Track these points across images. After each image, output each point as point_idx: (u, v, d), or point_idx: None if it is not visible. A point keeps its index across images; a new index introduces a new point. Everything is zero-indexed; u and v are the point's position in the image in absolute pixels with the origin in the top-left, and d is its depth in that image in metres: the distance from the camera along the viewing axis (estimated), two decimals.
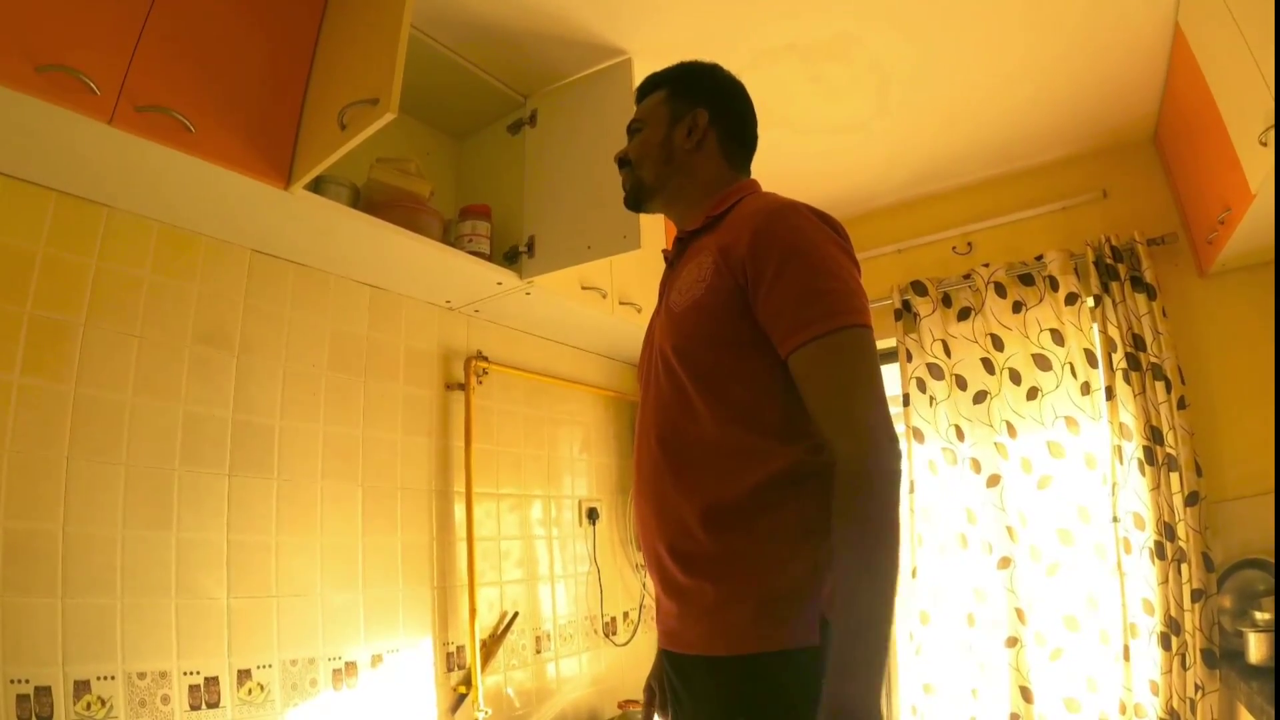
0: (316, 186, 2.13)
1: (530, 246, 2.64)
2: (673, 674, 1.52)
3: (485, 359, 2.94)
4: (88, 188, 1.92)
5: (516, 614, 2.85)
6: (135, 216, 2.04)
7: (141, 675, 1.83)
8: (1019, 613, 3.20)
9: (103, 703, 1.76)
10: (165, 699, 1.87)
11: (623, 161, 1.76)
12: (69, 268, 1.89)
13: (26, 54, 1.53)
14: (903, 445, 3.46)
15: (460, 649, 2.64)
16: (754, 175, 1.74)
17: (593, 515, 3.36)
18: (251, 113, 1.93)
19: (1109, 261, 3.19)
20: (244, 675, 2.03)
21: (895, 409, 3.52)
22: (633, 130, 1.75)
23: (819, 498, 1.32)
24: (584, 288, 2.89)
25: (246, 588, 2.10)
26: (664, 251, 1.77)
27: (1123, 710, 2.97)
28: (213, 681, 1.96)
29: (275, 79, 2.02)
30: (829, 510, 1.32)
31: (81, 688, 1.73)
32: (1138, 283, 3.12)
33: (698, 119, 1.68)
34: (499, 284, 2.67)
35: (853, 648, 1.20)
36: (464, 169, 3.07)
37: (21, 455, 1.74)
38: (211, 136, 1.82)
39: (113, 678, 1.78)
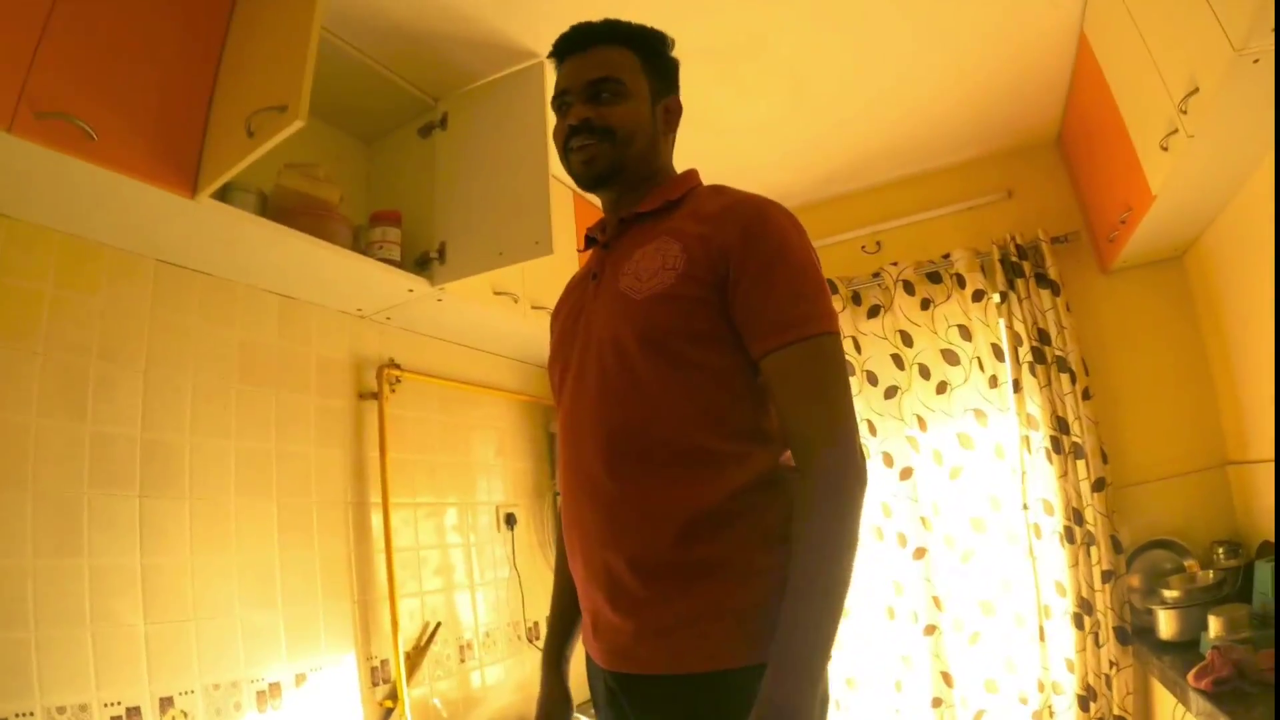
0: (223, 194, 2.05)
1: (441, 253, 2.60)
2: (622, 697, 1.39)
3: (398, 367, 2.89)
4: None
5: (439, 624, 2.80)
6: (35, 227, 1.93)
7: (61, 709, 1.74)
8: (936, 600, 3.29)
9: None
10: None
11: (597, 128, 1.51)
12: None
13: None
14: None
15: (384, 663, 2.59)
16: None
17: (510, 520, 3.33)
18: (156, 119, 1.86)
19: (1014, 259, 3.32)
20: (166, 703, 1.95)
21: None
22: (607, 90, 1.52)
23: (785, 503, 1.32)
24: (496, 293, 2.86)
25: (163, 612, 2.02)
26: (591, 231, 1.66)
27: (1041, 689, 3.10)
28: (134, 712, 1.88)
29: (181, 84, 1.94)
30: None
31: None
32: (1042, 279, 3.26)
33: (672, 107, 1.61)
34: (410, 291, 2.62)
35: (801, 645, 1.20)
36: (374, 173, 3.01)
37: None
38: (115, 144, 1.74)
39: (31, 714, 1.69)
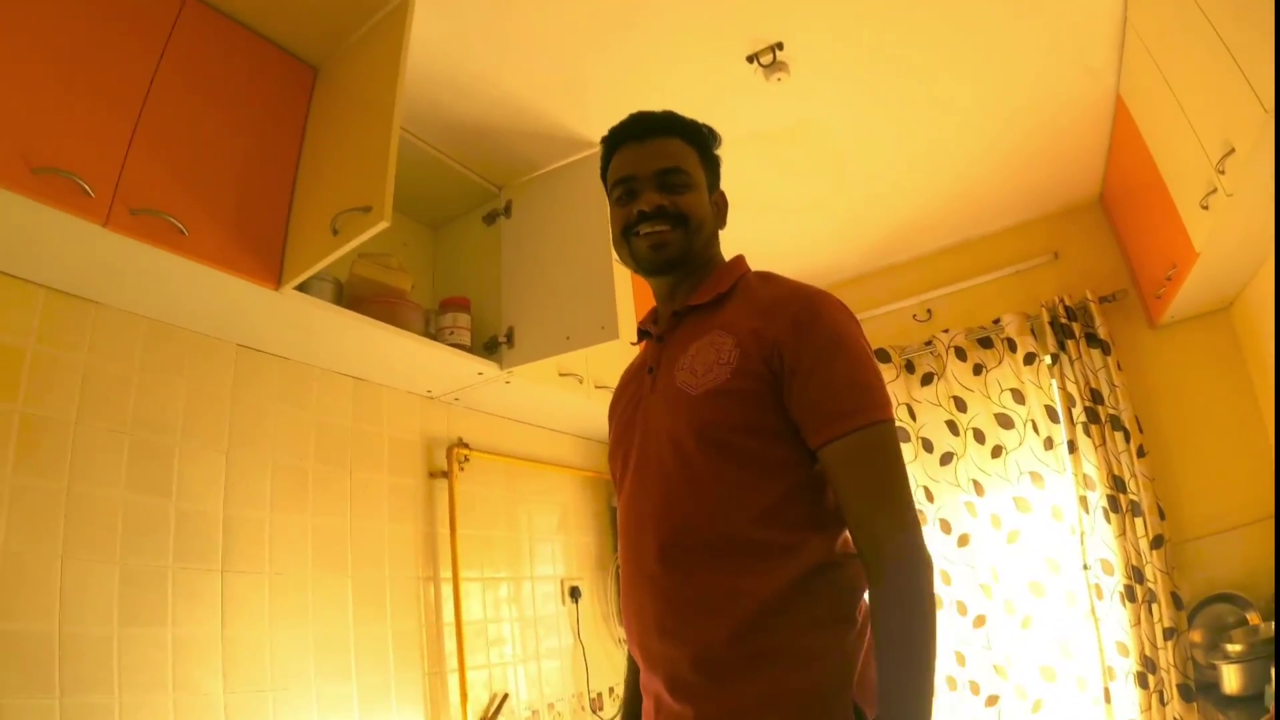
0: (301, 283, 2.17)
1: (509, 337, 2.70)
2: None
3: (466, 446, 2.99)
4: (78, 284, 1.94)
5: (506, 695, 2.85)
6: (123, 313, 2.06)
7: None
8: (997, 669, 3.25)
9: None
10: None
11: (670, 214, 1.53)
12: (59, 364, 1.89)
13: (23, 156, 1.56)
14: None
15: None
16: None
17: (575, 594, 3.38)
18: (241, 214, 1.98)
19: (1063, 320, 3.34)
20: None
21: None
22: (676, 179, 1.55)
23: (844, 587, 1.33)
24: (561, 374, 2.94)
25: (242, 681, 2.09)
26: (644, 324, 1.67)
27: None
28: None
29: (263, 181, 2.08)
30: (853, 598, 1.33)
31: None
32: (1092, 339, 3.28)
33: (720, 201, 1.65)
34: (480, 374, 2.72)
35: None
36: (440, 258, 3.14)
37: (15, 555, 1.72)
38: (204, 238, 1.86)
39: None
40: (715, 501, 1.36)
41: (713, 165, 1.65)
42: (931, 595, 1.26)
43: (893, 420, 1.35)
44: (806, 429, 1.35)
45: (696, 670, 1.32)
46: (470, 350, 2.63)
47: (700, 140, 1.63)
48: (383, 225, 1.82)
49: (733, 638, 1.30)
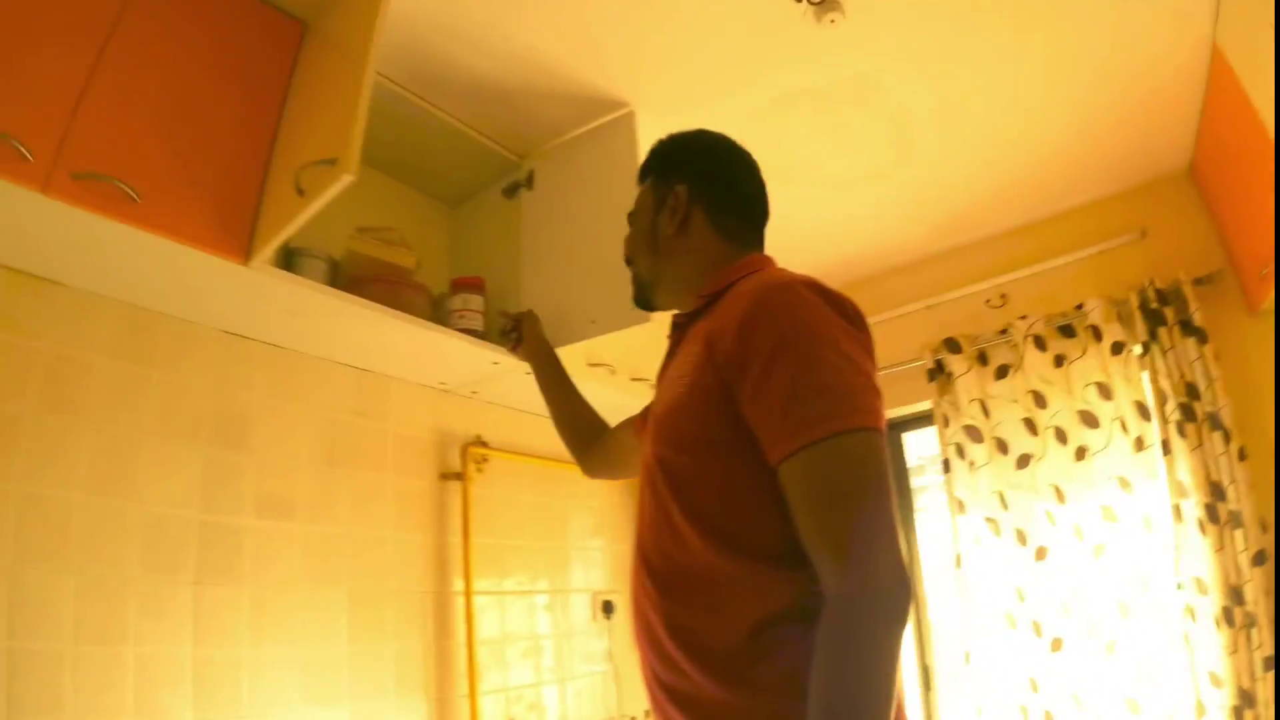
0: (289, 261, 1.97)
1: None
2: None
3: (485, 444, 2.76)
4: (35, 263, 1.77)
5: None
6: (91, 295, 1.88)
7: None
8: (1076, 699, 2.92)
9: None
10: None
11: (627, 260, 1.67)
12: (16, 351, 1.73)
13: None
14: (945, 518, 3.26)
15: None
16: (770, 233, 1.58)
17: (608, 608, 3.14)
18: (210, 181, 1.77)
19: (1154, 305, 2.97)
20: None
21: (936, 477, 3.43)
22: (630, 224, 1.66)
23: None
24: (590, 364, 2.68)
25: (215, 708, 1.89)
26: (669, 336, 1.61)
27: None
28: None
29: (236, 145, 1.86)
30: None
31: None
32: (1187, 326, 2.90)
33: (677, 196, 1.53)
34: (495, 364, 2.49)
35: None
36: (458, 237, 2.92)
37: None
38: (160, 207, 1.65)
39: None
40: (675, 529, 1.27)
41: (665, 171, 1.61)
42: (878, 647, 1.05)
43: (865, 428, 1.12)
44: (763, 447, 1.18)
45: (672, 703, 1.24)
46: (484, 336, 2.39)
47: (657, 160, 1.63)
48: (348, 179, 1.56)
49: (700, 679, 1.19)
